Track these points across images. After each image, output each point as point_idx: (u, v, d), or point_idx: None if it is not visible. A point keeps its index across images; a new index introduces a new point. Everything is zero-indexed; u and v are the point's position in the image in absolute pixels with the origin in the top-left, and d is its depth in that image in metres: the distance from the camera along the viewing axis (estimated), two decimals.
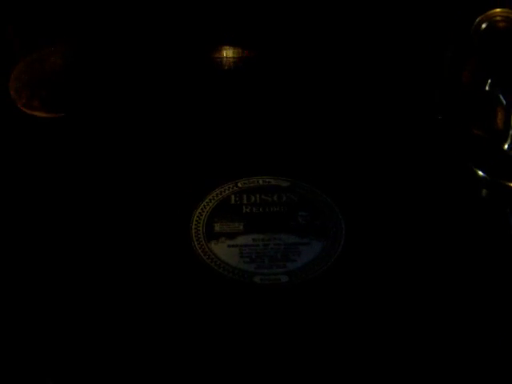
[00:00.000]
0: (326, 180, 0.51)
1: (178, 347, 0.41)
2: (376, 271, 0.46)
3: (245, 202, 0.50)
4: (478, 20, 0.49)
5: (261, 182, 0.52)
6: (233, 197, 0.50)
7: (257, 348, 0.41)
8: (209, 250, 0.46)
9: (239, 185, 0.51)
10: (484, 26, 0.49)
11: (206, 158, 0.54)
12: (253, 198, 0.50)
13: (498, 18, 0.49)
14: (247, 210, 0.49)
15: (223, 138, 0.56)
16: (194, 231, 0.48)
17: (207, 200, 0.50)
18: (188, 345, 0.41)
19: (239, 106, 0.60)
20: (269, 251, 0.46)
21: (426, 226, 0.48)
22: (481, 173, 0.45)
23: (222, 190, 0.51)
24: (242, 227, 0.48)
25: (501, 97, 0.48)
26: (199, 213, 0.49)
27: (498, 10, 0.50)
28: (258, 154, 0.54)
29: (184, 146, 0.55)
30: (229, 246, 0.47)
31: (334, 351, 0.41)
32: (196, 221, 0.48)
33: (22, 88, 0.56)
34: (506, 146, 0.45)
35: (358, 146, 0.55)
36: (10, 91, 0.56)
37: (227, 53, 0.67)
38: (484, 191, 0.46)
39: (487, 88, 0.49)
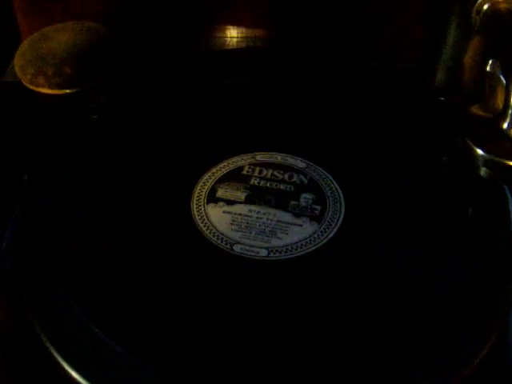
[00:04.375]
0: (342, 169, 0.51)
1: (157, 307, 0.43)
2: (358, 269, 0.45)
3: (256, 174, 0.51)
4: (479, 1, 0.49)
5: (279, 158, 0.52)
6: (246, 167, 0.51)
7: (226, 313, 0.43)
8: (204, 212, 0.48)
9: (257, 157, 0.52)
10: (486, 6, 0.49)
11: (233, 129, 0.55)
12: (264, 172, 0.51)
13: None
14: (255, 182, 0.50)
15: (248, 113, 0.57)
16: (196, 192, 0.49)
17: (221, 165, 0.51)
18: (165, 305, 0.43)
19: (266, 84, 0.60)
20: (259, 224, 0.47)
21: (425, 221, 0.48)
22: (480, 151, 0.45)
23: (239, 159, 0.52)
24: (243, 197, 0.49)
25: (501, 77, 0.47)
26: (209, 176, 0.50)
27: None
28: (284, 131, 0.55)
29: (211, 119, 0.56)
30: (224, 211, 0.48)
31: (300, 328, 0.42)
32: (203, 183, 0.50)
33: (27, 65, 0.55)
34: (505, 125, 0.45)
35: (373, 143, 0.54)
36: (16, 68, 0.56)
37: (231, 32, 0.67)
38: (483, 170, 0.46)
39: (488, 69, 0.49)
